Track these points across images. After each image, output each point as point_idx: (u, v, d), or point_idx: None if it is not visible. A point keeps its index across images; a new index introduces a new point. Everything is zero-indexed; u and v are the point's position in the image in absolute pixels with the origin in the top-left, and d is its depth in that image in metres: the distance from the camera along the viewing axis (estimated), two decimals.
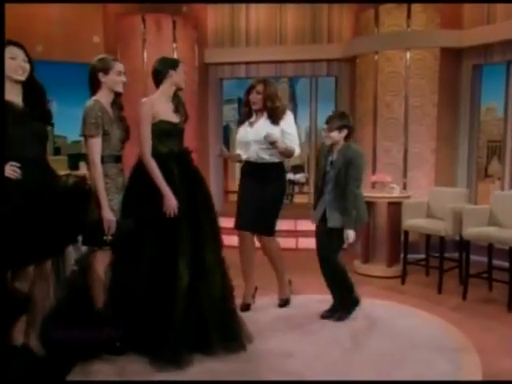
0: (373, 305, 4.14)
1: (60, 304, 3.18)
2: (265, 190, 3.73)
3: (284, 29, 6.60)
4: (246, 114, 3.86)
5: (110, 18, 6.19)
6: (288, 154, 3.75)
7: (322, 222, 3.67)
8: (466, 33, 5.62)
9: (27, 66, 2.70)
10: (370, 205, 5.19)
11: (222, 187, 7.09)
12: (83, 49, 5.92)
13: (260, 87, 3.69)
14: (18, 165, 2.61)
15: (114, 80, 3.05)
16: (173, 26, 6.09)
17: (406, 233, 4.89)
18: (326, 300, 3.86)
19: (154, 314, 3.01)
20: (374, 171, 5.84)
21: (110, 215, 2.99)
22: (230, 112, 7.77)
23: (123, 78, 3.09)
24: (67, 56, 5.86)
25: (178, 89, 3.28)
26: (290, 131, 3.76)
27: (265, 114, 3.75)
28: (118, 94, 3.12)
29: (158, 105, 3.15)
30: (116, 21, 6.16)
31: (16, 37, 5.28)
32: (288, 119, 3.78)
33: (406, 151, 5.75)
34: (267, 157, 3.76)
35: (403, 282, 4.86)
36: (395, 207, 5.04)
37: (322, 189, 3.68)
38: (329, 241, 3.65)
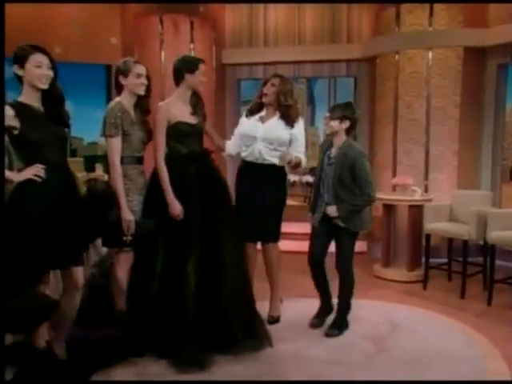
0: (394, 309, 4.05)
1: (80, 306, 3.15)
2: (266, 194, 3.45)
3: (302, 29, 6.52)
4: (256, 106, 3.58)
5: (128, 19, 6.19)
6: (295, 166, 3.52)
7: (323, 223, 3.47)
8: (491, 31, 5.47)
9: (51, 73, 2.67)
10: (391, 208, 5.12)
11: None
12: (101, 50, 5.93)
13: (275, 80, 3.46)
14: (42, 166, 2.62)
15: (133, 83, 3.04)
16: (190, 26, 6.06)
17: (428, 236, 4.78)
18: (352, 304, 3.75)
19: (169, 315, 3.01)
20: (394, 173, 5.73)
21: (129, 215, 2.98)
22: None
23: (143, 81, 3.06)
24: (85, 57, 5.87)
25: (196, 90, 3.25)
26: (299, 138, 3.52)
27: (277, 113, 3.50)
28: (142, 97, 3.10)
29: (175, 108, 3.17)
30: (134, 22, 6.15)
31: (35, 38, 5.30)
32: (300, 124, 3.56)
33: (427, 153, 5.61)
34: (270, 158, 3.47)
35: (425, 287, 4.74)
36: (416, 210, 4.92)
37: (320, 185, 3.48)
38: (339, 251, 3.46)
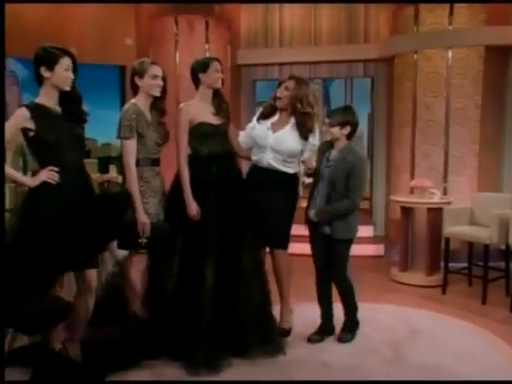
0: (412, 314, 3.96)
1: (97, 306, 3.11)
2: (275, 199, 3.24)
3: (319, 28, 6.43)
4: (268, 110, 3.32)
5: (143, 20, 6.16)
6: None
7: (317, 227, 3.30)
8: None
9: (73, 76, 2.69)
10: (409, 211, 5.00)
11: None
12: (115, 51, 5.91)
13: (290, 83, 3.21)
14: (56, 169, 2.61)
15: (148, 84, 3.00)
16: (205, 26, 6.02)
17: (447, 240, 4.66)
18: (358, 308, 3.63)
19: (184, 316, 2.97)
20: (412, 176, 5.61)
21: (144, 218, 2.95)
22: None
23: (159, 82, 3.02)
24: (99, 58, 5.84)
25: (216, 89, 3.19)
26: (314, 143, 3.30)
27: (291, 121, 3.24)
28: (158, 98, 3.07)
29: (196, 108, 3.14)
30: (148, 23, 6.13)
31: (50, 39, 5.30)
32: (316, 135, 3.31)
33: (446, 155, 5.49)
34: (280, 167, 3.27)
35: (444, 292, 4.62)
36: (435, 213, 4.79)
37: (316, 187, 3.30)
38: (332, 260, 3.31)
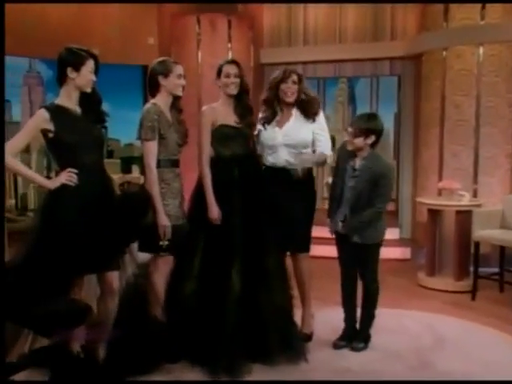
0: (440, 320, 3.80)
1: (119, 309, 3.08)
2: (294, 200, 3.16)
3: (344, 26, 6.28)
4: (270, 112, 3.22)
5: (165, 19, 6.14)
6: (321, 162, 3.27)
7: (347, 239, 3.18)
8: None
9: (95, 78, 2.71)
10: (436, 213, 4.83)
11: None
12: (138, 51, 5.90)
13: (295, 77, 3.16)
14: (74, 171, 2.61)
15: (174, 83, 2.95)
16: (228, 25, 5.95)
17: (477, 244, 4.47)
18: (383, 313, 3.50)
19: (207, 321, 2.92)
20: (440, 177, 5.43)
21: (165, 220, 2.89)
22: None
23: (183, 82, 2.99)
24: (122, 58, 5.84)
25: (245, 93, 3.15)
26: (322, 133, 3.22)
27: (294, 112, 3.21)
28: (176, 98, 3.03)
29: (218, 111, 3.11)
30: (170, 22, 6.10)
31: (73, 39, 5.31)
32: (320, 119, 3.25)
33: (476, 156, 5.28)
34: (297, 163, 3.17)
35: (473, 298, 4.43)
36: (464, 216, 4.61)
37: (341, 198, 3.18)
38: (362, 261, 3.22)
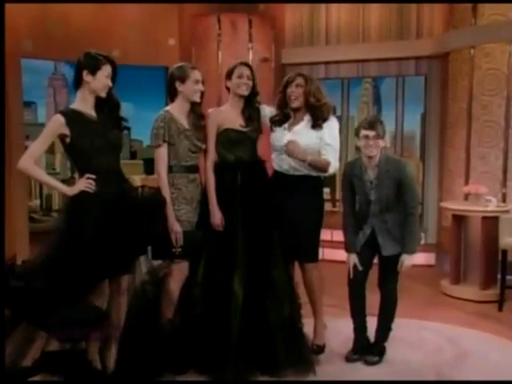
0: (462, 333, 3.64)
1: (127, 315, 3.06)
2: (300, 207, 3.05)
3: (367, 24, 6.09)
4: (280, 117, 3.13)
5: (186, 19, 6.10)
6: (319, 167, 3.02)
7: (367, 248, 3.11)
8: None
9: (111, 84, 2.72)
10: (461, 219, 4.64)
11: None
12: (159, 52, 5.88)
13: (300, 80, 3.03)
14: (93, 177, 2.63)
15: (190, 89, 2.91)
16: (249, 25, 5.86)
17: (505, 252, 4.28)
18: (401, 324, 3.36)
19: (213, 330, 2.87)
20: (467, 180, 5.22)
21: (176, 226, 2.86)
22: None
23: (200, 87, 2.93)
24: (143, 60, 5.83)
25: (254, 96, 3.08)
26: (329, 141, 3.03)
27: (306, 117, 3.08)
28: (195, 103, 2.97)
29: (224, 114, 3.04)
30: (191, 22, 6.05)
31: (94, 42, 5.35)
32: (332, 125, 3.08)
33: (505, 158, 5.05)
34: (303, 168, 3.05)
35: (500, 309, 4.25)
36: (491, 222, 4.42)
37: (368, 212, 3.08)
38: (385, 270, 3.14)
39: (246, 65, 3.07)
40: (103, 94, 2.70)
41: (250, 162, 3.05)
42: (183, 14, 6.10)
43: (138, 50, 5.78)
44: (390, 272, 3.12)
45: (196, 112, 2.98)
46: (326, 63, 6.28)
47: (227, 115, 3.04)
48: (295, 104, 3.07)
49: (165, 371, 2.89)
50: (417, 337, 3.43)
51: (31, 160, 2.59)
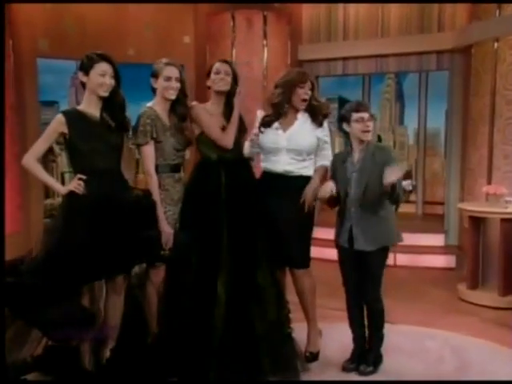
0: (469, 343, 3.43)
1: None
2: (292, 210, 2.93)
3: (386, 18, 5.89)
4: (275, 116, 3.02)
5: (201, 17, 6.06)
6: (322, 178, 3.06)
7: (349, 244, 2.94)
8: None
9: (113, 82, 2.69)
10: (480, 221, 4.41)
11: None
12: (174, 50, 5.85)
13: (310, 84, 2.99)
14: (83, 177, 2.62)
15: (162, 86, 2.82)
16: (264, 21, 5.75)
17: None
18: (405, 331, 3.19)
19: (194, 337, 2.78)
20: (489, 180, 4.95)
21: (167, 228, 2.81)
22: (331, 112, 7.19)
23: (173, 84, 2.82)
24: (158, 58, 5.80)
25: (229, 94, 2.94)
26: (327, 139, 3.05)
27: (299, 117, 3.02)
28: (177, 102, 2.87)
29: (205, 111, 2.94)
30: (206, 20, 6.01)
31: (109, 42, 5.37)
32: (325, 125, 3.06)
33: None
34: (296, 170, 2.99)
35: None
36: (511, 225, 4.17)
37: (345, 201, 2.92)
38: (364, 275, 2.94)
39: (225, 61, 2.97)
40: (103, 93, 2.66)
41: (234, 161, 2.94)
42: (198, 11, 6.07)
43: (153, 49, 5.77)
44: (368, 277, 2.93)
45: (177, 112, 2.90)
46: (344, 59, 6.12)
47: (208, 112, 2.93)
48: (303, 106, 2.99)
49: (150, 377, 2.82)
50: (419, 346, 3.25)
51: (33, 157, 2.67)
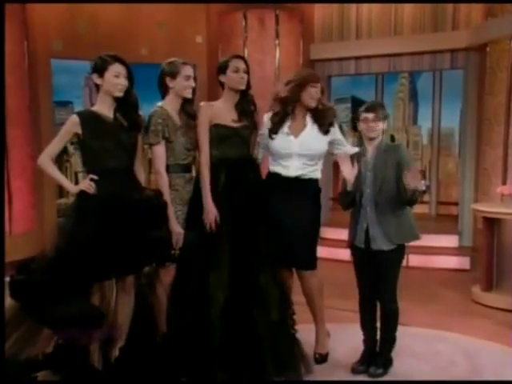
0: (481, 347, 3.36)
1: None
2: (299, 212, 2.93)
3: (400, 17, 5.85)
4: (282, 115, 2.97)
5: (213, 16, 6.07)
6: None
7: (366, 244, 2.91)
8: None
9: (127, 83, 2.70)
10: (494, 222, 4.33)
11: (329, 194, 6.52)
12: (186, 50, 5.85)
13: (320, 86, 2.95)
14: (95, 177, 2.64)
15: (181, 85, 2.82)
16: (276, 20, 5.75)
17: None
18: (416, 333, 3.14)
19: (197, 337, 2.77)
20: (504, 181, 4.89)
21: (178, 228, 2.80)
22: (343, 112, 7.14)
23: (192, 84, 2.84)
24: (170, 58, 5.84)
25: (244, 91, 2.92)
26: (341, 137, 3.07)
27: (308, 120, 2.99)
28: (187, 101, 2.88)
29: (216, 109, 2.92)
30: (218, 19, 6.02)
31: (122, 42, 5.40)
32: (336, 130, 3.06)
33: None
34: (307, 173, 2.98)
35: None
36: None
37: (360, 201, 2.91)
38: (379, 276, 2.91)
39: (241, 58, 2.95)
40: (118, 94, 2.68)
41: (238, 160, 2.91)
42: (210, 11, 6.09)
43: (165, 49, 5.79)
44: (384, 277, 2.90)
45: (187, 110, 2.90)
46: (357, 58, 6.09)
47: (219, 110, 2.91)
48: (313, 104, 2.95)
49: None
50: (430, 349, 3.20)
51: (48, 157, 2.72)
